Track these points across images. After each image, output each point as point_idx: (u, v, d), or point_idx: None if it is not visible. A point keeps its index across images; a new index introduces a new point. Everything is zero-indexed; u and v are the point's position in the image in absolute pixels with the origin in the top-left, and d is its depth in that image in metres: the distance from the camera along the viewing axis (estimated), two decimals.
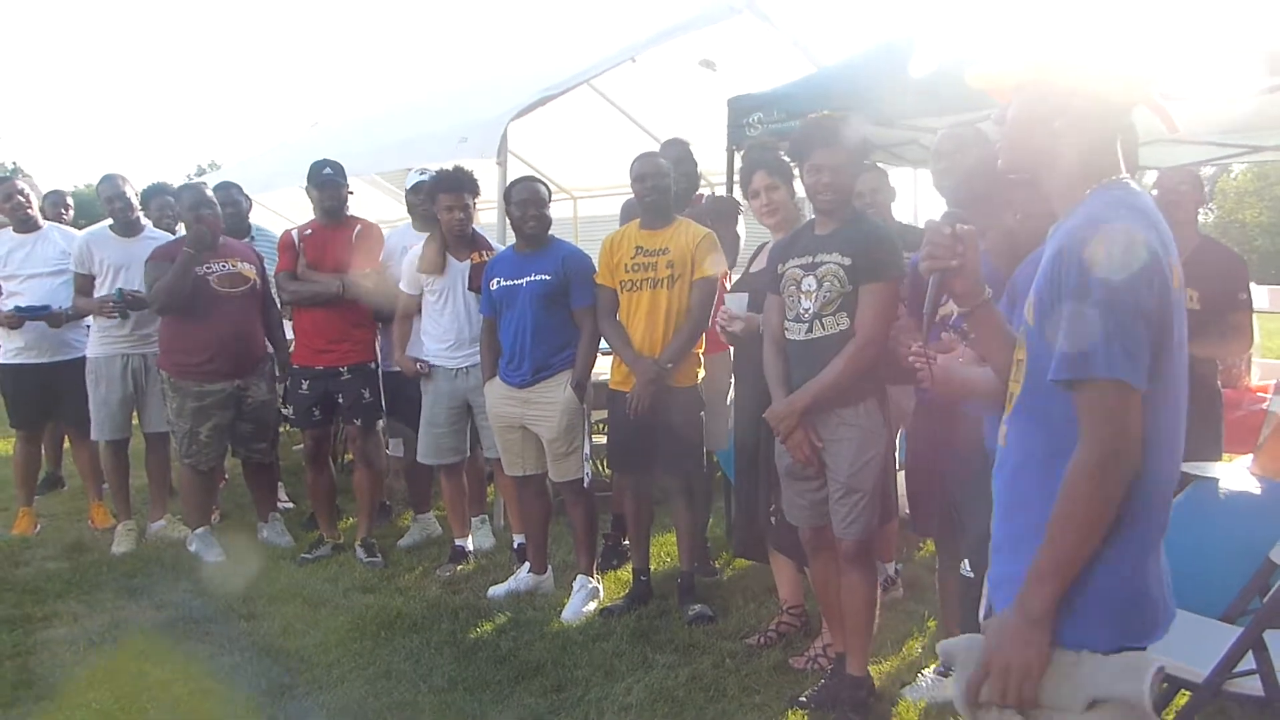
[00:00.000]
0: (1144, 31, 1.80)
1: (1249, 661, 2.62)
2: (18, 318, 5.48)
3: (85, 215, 7.74)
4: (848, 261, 3.30)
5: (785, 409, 3.38)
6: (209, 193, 5.29)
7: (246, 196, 6.16)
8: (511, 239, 4.78)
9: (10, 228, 5.77)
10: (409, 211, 5.56)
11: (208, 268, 5.10)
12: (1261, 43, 3.49)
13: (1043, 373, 1.73)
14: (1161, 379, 1.67)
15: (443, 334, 4.91)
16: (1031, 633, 1.70)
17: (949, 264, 1.91)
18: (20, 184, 5.82)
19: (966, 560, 3.08)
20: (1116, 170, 1.79)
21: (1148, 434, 1.67)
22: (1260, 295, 5.53)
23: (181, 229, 6.17)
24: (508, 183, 4.75)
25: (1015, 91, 1.85)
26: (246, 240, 5.70)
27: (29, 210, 5.73)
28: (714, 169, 6.74)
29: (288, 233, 5.35)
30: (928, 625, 4.14)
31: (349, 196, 5.47)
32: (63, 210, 6.72)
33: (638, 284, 4.32)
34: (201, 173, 39.24)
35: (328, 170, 5.20)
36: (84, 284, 5.46)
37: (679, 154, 4.90)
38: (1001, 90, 1.89)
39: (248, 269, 5.25)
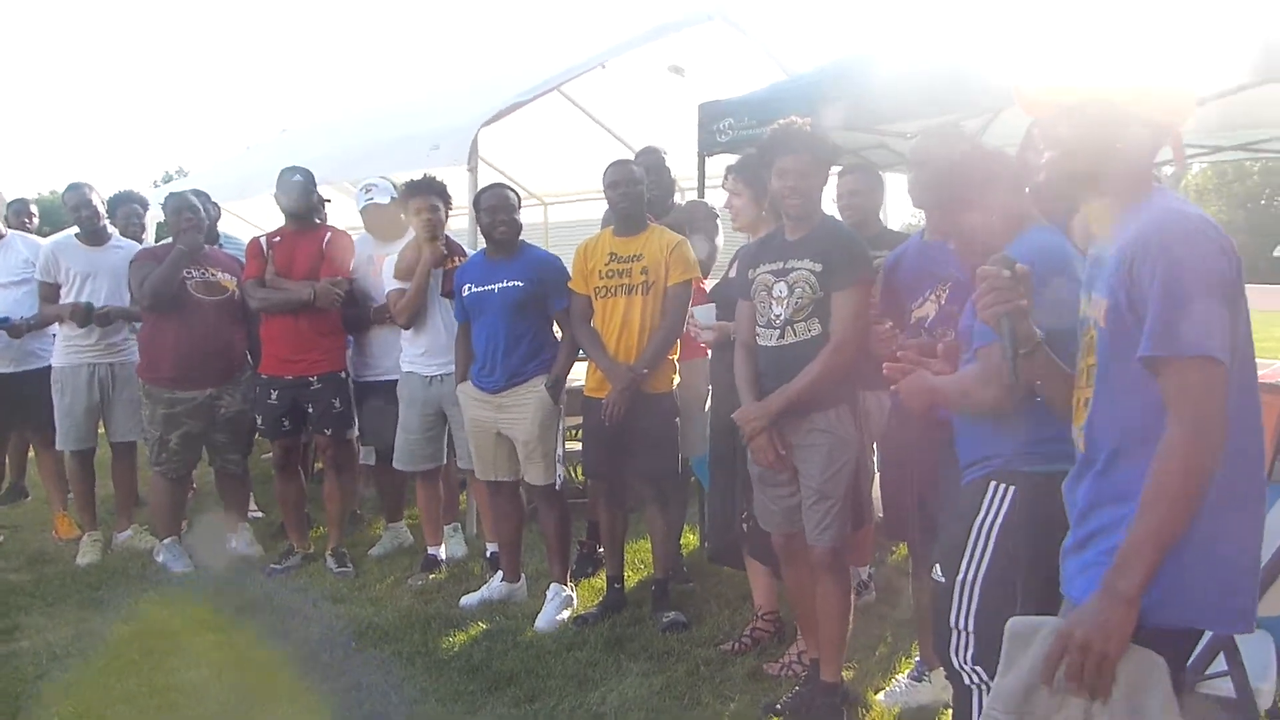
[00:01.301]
0: (1168, 46, 1.87)
1: (1221, 663, 2.65)
2: None
3: (49, 223, 7.63)
4: (818, 268, 3.31)
5: (758, 410, 3.37)
6: (193, 199, 5.23)
7: (215, 204, 6.10)
8: (483, 245, 4.76)
9: None
10: (367, 229, 5.50)
11: (187, 273, 5.06)
12: (1220, 46, 3.54)
13: (1118, 371, 1.79)
14: (1237, 360, 1.73)
15: (418, 341, 4.89)
16: (1116, 611, 1.70)
17: (1019, 304, 1.92)
18: None
19: (938, 565, 3.09)
20: (1154, 180, 1.87)
21: (1233, 412, 1.71)
22: None
23: (149, 238, 6.12)
24: (478, 189, 4.73)
25: (1068, 111, 1.87)
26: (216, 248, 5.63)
27: None
28: (684, 174, 6.74)
29: (256, 240, 5.25)
30: (901, 630, 4.15)
31: (323, 205, 5.40)
32: (26, 219, 6.62)
33: (612, 290, 4.30)
34: (169, 179, 38.74)
35: (297, 177, 5.14)
36: (49, 292, 5.38)
37: (652, 162, 4.90)
38: (1048, 107, 1.92)
39: (226, 279, 5.20)
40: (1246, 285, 1.79)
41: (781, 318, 3.35)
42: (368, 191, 5.35)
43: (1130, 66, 1.84)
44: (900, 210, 4.29)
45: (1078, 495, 1.92)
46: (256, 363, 5.31)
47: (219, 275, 5.18)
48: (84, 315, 5.24)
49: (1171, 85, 1.84)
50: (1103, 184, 1.88)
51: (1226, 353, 1.69)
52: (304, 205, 5.17)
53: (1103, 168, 1.86)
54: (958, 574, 2.53)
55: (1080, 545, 1.90)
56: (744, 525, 3.87)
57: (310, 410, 5.12)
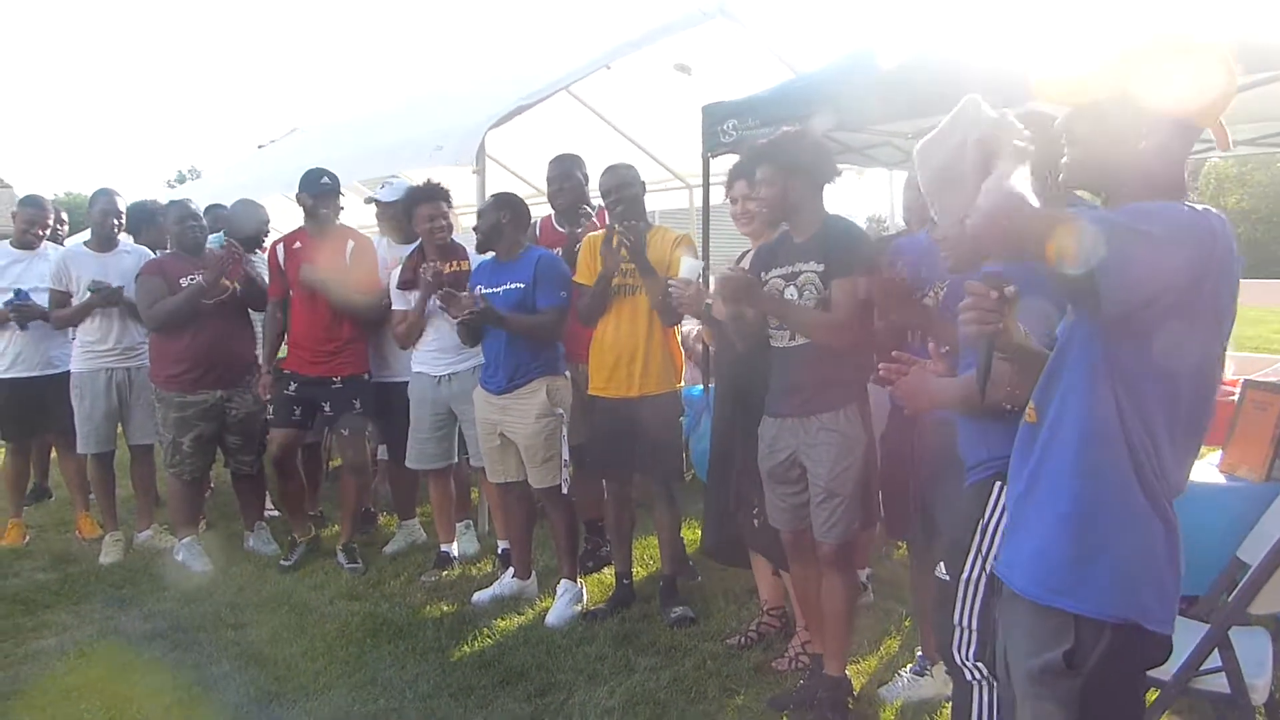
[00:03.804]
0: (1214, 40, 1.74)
1: (1216, 659, 2.69)
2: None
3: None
4: (821, 268, 3.36)
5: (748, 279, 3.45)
6: (194, 207, 5.31)
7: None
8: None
9: (8, 241, 5.86)
10: (378, 220, 5.53)
11: (190, 278, 5.13)
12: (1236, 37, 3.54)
13: (1071, 346, 1.81)
14: (1177, 336, 1.68)
15: (427, 341, 4.96)
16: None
17: (997, 327, 1.85)
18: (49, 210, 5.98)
19: (941, 563, 3.14)
20: (1185, 192, 1.78)
21: (1180, 418, 1.72)
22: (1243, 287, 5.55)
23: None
24: (485, 190, 4.78)
25: (1088, 106, 1.80)
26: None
27: (42, 233, 5.85)
28: (691, 171, 6.78)
29: (272, 252, 5.27)
30: (904, 625, 4.21)
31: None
32: (58, 225, 6.73)
33: (615, 289, 4.36)
34: (182, 179, 39.07)
35: (326, 180, 5.14)
36: (61, 300, 5.48)
37: (564, 170, 4.99)
38: (1069, 99, 1.83)
39: (225, 281, 5.22)
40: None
41: None
42: (383, 187, 5.45)
43: (1148, 60, 1.71)
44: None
45: (1019, 467, 1.92)
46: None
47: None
48: (113, 296, 5.35)
49: (1198, 81, 1.70)
50: (1121, 185, 1.80)
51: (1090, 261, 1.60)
52: (333, 211, 5.20)
53: (1120, 167, 1.78)
54: (962, 572, 2.58)
55: (1016, 526, 1.92)
56: (755, 521, 3.90)
57: (327, 408, 5.18)
